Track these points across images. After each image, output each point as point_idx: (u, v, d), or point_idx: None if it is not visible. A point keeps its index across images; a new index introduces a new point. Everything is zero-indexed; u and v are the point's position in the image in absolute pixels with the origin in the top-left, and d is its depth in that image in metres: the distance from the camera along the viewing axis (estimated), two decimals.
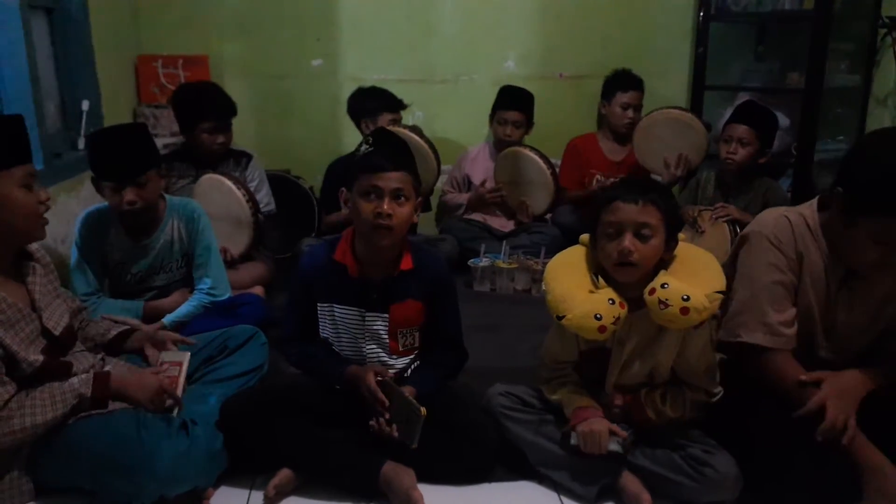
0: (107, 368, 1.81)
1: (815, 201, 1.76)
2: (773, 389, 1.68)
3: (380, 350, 1.88)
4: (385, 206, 1.73)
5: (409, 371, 1.91)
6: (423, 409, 1.68)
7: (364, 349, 1.87)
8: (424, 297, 1.87)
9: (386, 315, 1.85)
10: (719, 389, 1.74)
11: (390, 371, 1.86)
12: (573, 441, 1.70)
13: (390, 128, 3.24)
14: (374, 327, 1.86)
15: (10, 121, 1.68)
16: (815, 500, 1.56)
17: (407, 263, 1.84)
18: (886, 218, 1.52)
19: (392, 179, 1.74)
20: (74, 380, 1.69)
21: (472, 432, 1.78)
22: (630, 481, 1.70)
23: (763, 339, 1.68)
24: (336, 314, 1.87)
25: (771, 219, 1.75)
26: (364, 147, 1.82)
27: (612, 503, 1.73)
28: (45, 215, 1.70)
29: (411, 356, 1.92)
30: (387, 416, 1.73)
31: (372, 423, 1.74)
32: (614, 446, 1.68)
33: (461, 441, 1.77)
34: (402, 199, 1.76)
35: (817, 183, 3.61)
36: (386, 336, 1.86)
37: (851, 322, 1.73)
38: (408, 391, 1.75)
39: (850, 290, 1.71)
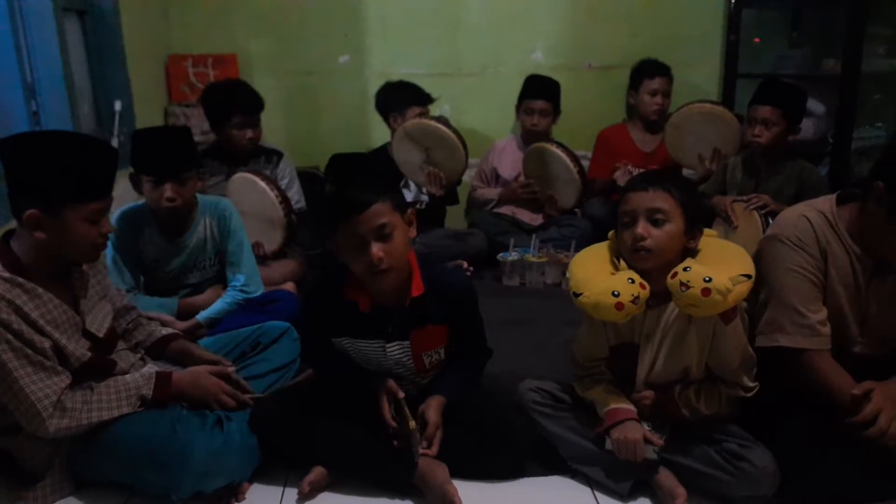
0: (148, 368, 1.83)
1: (832, 196, 1.74)
2: (818, 392, 1.65)
3: (407, 372, 1.84)
4: (374, 253, 1.61)
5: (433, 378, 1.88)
6: (412, 423, 1.68)
7: (392, 371, 1.83)
8: (445, 319, 1.79)
9: (406, 342, 1.78)
10: (755, 384, 1.71)
11: (417, 388, 1.86)
12: (608, 446, 1.70)
13: (417, 119, 3.24)
14: (397, 356, 1.80)
15: (103, 153, 1.67)
16: (849, 496, 1.54)
17: (418, 288, 1.74)
18: None
19: (370, 218, 1.61)
20: (138, 377, 1.72)
21: (504, 432, 1.77)
22: (665, 476, 1.69)
23: (803, 341, 1.66)
24: (356, 347, 1.81)
25: (790, 220, 1.73)
26: (328, 187, 1.70)
27: (646, 498, 1.72)
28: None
29: (438, 369, 1.88)
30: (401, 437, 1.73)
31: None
32: (649, 454, 1.66)
33: (493, 440, 1.76)
34: (389, 231, 1.63)
35: (855, 171, 3.52)
36: (411, 361, 1.81)
37: (885, 315, 1.69)
38: (436, 402, 1.74)
39: (882, 281, 1.68)
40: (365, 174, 1.72)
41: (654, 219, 1.63)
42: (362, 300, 1.74)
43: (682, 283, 1.55)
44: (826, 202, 1.73)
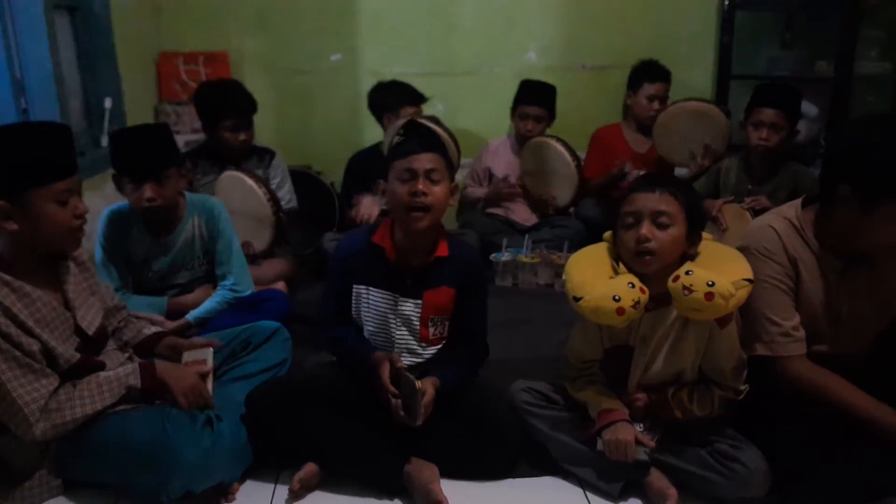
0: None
1: (797, 201, 1.75)
2: (805, 395, 1.65)
3: (410, 337, 1.87)
4: (420, 185, 1.76)
5: (431, 364, 1.90)
6: (418, 383, 1.70)
7: (394, 335, 1.87)
8: (457, 285, 1.87)
9: (419, 301, 1.85)
10: (745, 387, 1.71)
11: (417, 360, 1.88)
12: (599, 447, 1.69)
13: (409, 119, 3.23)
14: (407, 313, 1.85)
15: (53, 134, 1.65)
16: (842, 497, 1.54)
17: (443, 250, 1.85)
18: None
19: (424, 160, 1.78)
20: (121, 370, 1.70)
21: (496, 430, 1.77)
22: (656, 477, 1.68)
23: (779, 348, 1.68)
24: (370, 297, 1.87)
25: (757, 231, 1.74)
26: (396, 138, 1.91)
27: (637, 499, 1.71)
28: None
29: (439, 346, 1.91)
30: (398, 402, 1.74)
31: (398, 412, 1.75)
32: (641, 455, 1.66)
33: (484, 439, 1.76)
34: (437, 179, 1.79)
35: None
36: (418, 323, 1.86)
37: (857, 313, 1.71)
38: (431, 382, 1.74)
39: (852, 280, 1.69)
40: (433, 137, 1.94)
41: (659, 222, 1.62)
42: (389, 248, 1.84)
43: (684, 287, 1.53)
44: (791, 208, 1.75)
